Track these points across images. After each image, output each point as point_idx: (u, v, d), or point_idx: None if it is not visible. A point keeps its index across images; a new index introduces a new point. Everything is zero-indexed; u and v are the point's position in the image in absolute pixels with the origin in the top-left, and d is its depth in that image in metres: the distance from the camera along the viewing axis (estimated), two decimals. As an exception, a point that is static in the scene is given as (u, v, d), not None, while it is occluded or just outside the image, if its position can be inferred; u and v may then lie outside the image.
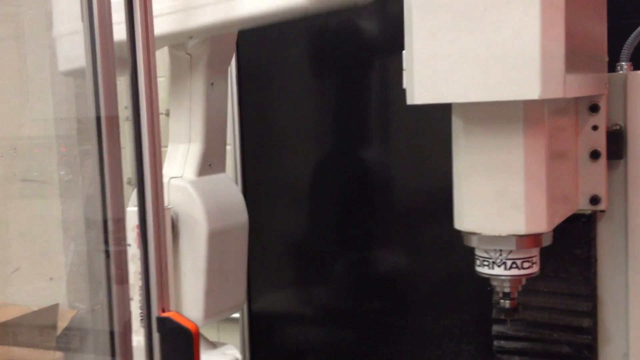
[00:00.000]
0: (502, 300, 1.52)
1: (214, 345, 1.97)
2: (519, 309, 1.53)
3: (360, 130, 2.25)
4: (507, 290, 1.49)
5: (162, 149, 1.19)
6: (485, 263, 1.48)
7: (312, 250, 2.30)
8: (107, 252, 1.17)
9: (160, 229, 1.07)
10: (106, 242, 1.17)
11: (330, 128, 2.29)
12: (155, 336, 1.08)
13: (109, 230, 1.16)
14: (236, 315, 2.35)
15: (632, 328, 1.70)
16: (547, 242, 1.44)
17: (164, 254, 1.08)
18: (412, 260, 2.14)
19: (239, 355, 1.97)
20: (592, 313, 1.73)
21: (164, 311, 1.08)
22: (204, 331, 2.04)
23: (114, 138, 1.15)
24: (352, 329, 2.24)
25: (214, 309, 1.81)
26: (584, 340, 1.73)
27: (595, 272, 1.72)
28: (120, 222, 1.17)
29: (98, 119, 1.15)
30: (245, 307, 2.34)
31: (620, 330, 1.73)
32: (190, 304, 1.77)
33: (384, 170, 2.19)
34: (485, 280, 1.91)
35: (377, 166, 2.20)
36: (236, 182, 2.31)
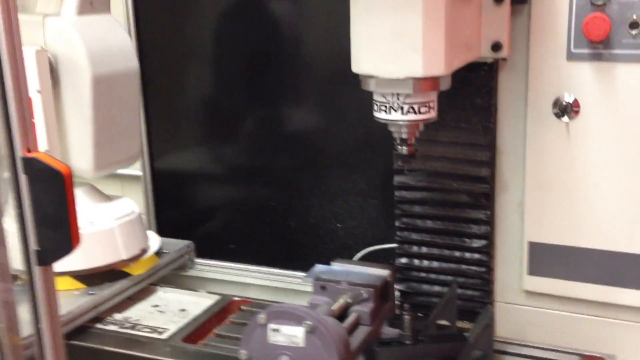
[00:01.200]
0: (399, 147, 1.51)
1: (109, 198, 1.94)
2: (416, 155, 1.53)
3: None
4: (404, 136, 1.48)
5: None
6: (383, 108, 1.45)
7: (220, 106, 2.24)
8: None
9: (16, 59, 0.99)
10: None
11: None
12: (22, 178, 1.03)
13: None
14: (138, 172, 2.30)
15: (528, 177, 1.72)
16: (445, 85, 1.42)
17: (23, 87, 1.00)
18: (322, 119, 2.11)
19: (136, 208, 1.94)
20: (491, 163, 1.75)
21: (29, 151, 1.02)
22: (106, 187, 2.00)
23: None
24: (260, 185, 2.22)
25: (105, 161, 1.75)
26: (482, 190, 1.76)
27: (495, 122, 1.73)
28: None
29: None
30: (147, 164, 2.29)
31: (517, 180, 1.76)
32: (78, 155, 1.70)
33: (297, 25, 2.12)
34: (391, 136, 1.91)
35: (290, 21, 2.12)
36: (128, 33, 2.17)
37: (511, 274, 1.84)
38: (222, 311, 1.94)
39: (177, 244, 2.10)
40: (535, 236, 1.76)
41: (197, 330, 1.83)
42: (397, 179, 1.82)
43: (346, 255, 2.14)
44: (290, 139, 2.15)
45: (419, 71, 1.35)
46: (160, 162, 2.31)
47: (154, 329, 1.82)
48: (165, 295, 2.02)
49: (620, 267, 1.70)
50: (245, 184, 2.24)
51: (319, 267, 1.82)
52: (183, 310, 1.93)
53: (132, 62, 1.80)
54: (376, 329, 1.69)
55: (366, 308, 1.67)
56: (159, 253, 2.02)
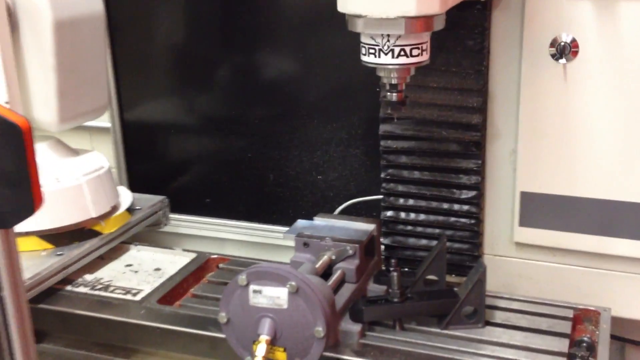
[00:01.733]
0: (389, 93, 1.41)
1: (77, 152, 1.82)
2: (406, 102, 1.43)
3: None
4: (394, 81, 1.39)
5: None
6: (372, 51, 1.35)
7: (192, 53, 2.12)
8: None
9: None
10: None
11: None
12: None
13: None
14: (107, 124, 2.18)
15: (522, 123, 1.64)
16: (439, 25, 1.33)
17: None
18: (300, 66, 2.00)
19: (106, 162, 1.83)
20: (482, 109, 1.65)
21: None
22: (74, 141, 1.88)
23: None
24: (237, 136, 2.12)
25: (70, 112, 1.63)
26: (472, 138, 1.67)
27: (487, 65, 1.64)
28: None
29: None
30: (116, 115, 2.18)
31: (509, 127, 1.68)
32: (41, 106, 1.58)
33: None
34: (375, 83, 1.81)
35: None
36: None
37: (501, 225, 1.78)
38: (198, 270, 1.84)
39: (150, 200, 1.99)
40: (528, 186, 1.69)
41: (173, 290, 1.74)
42: (383, 128, 1.72)
43: (327, 208, 2.07)
44: (266, 86, 2.05)
45: (411, 9, 1.25)
46: (130, 113, 2.20)
47: (127, 290, 1.72)
48: (139, 254, 1.92)
49: (616, 217, 1.64)
50: (220, 134, 2.14)
51: (300, 223, 1.74)
52: (158, 269, 1.84)
53: (96, 5, 1.67)
54: (362, 286, 1.62)
55: (351, 265, 1.59)
56: (131, 210, 1.91)
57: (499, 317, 1.59)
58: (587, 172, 1.62)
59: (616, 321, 1.67)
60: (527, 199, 1.70)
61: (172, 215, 2.09)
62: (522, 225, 1.72)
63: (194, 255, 1.90)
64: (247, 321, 1.39)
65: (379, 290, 1.62)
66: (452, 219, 1.74)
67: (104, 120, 2.15)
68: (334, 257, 1.60)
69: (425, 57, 1.36)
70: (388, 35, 1.31)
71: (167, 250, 1.94)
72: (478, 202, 1.71)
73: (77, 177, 1.72)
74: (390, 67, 1.34)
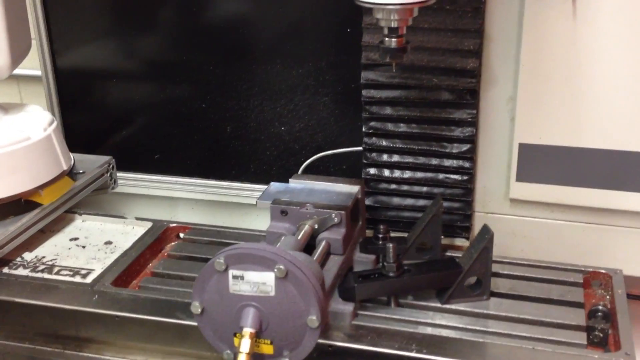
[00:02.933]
0: (387, 39, 1.20)
1: (5, 109, 1.55)
2: (407, 48, 1.22)
3: None
4: (394, 24, 1.19)
5: None
6: None
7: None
8: None
9: None
10: None
11: None
12: None
13: None
14: (37, 72, 1.91)
15: (523, 67, 1.46)
16: None
17: None
18: (256, 3, 1.76)
19: (44, 120, 1.56)
20: (479, 52, 1.46)
21: None
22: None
23: None
24: (188, 84, 1.90)
25: (16, 53, 1.47)
26: (467, 85, 1.48)
27: (485, 2, 1.43)
28: None
29: None
30: (48, 61, 1.93)
31: (508, 72, 1.51)
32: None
33: None
34: (344, 22, 1.59)
35: None
36: None
37: (495, 181, 1.62)
38: (156, 242, 1.62)
39: (95, 161, 1.73)
40: (527, 137, 1.53)
41: (129, 269, 1.51)
42: (365, 76, 1.51)
43: (292, 162, 1.91)
44: (221, 27, 1.83)
45: None
46: (63, 58, 1.95)
47: (75, 271, 1.49)
48: (85, 225, 1.69)
49: (623, 169, 1.50)
50: (169, 82, 1.93)
51: (274, 187, 1.53)
52: (108, 243, 1.61)
53: None
54: (348, 257, 1.43)
55: (337, 234, 1.41)
56: (73, 174, 1.65)
57: (503, 285, 1.43)
58: (593, 121, 1.47)
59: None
60: (526, 151, 1.53)
61: (118, 174, 1.85)
62: (520, 181, 1.57)
63: (149, 224, 1.67)
64: (227, 311, 1.19)
65: (367, 261, 1.44)
66: (442, 175, 1.57)
67: (34, 67, 1.90)
68: (316, 226, 1.40)
69: (431, -6, 1.16)
70: None
71: (118, 220, 1.71)
72: (471, 156, 1.54)
73: (8, 143, 1.46)
74: (391, 7, 1.13)
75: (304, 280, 1.15)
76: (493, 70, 1.50)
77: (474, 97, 1.49)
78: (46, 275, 1.47)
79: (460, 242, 1.65)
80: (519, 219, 1.63)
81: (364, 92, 1.53)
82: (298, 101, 1.84)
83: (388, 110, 1.53)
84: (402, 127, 1.54)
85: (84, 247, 1.59)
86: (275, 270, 1.15)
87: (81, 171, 1.68)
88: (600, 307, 1.35)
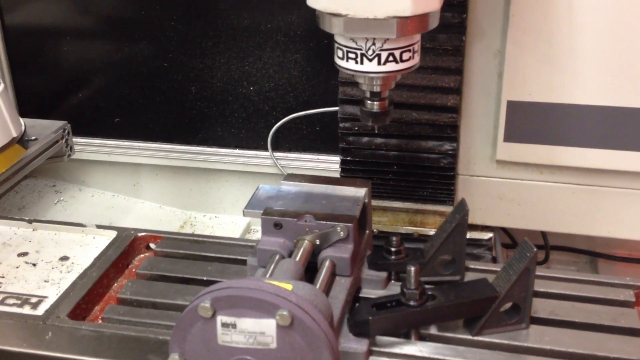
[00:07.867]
0: (369, 102, 1.12)
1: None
2: (390, 111, 1.12)
3: None
4: (377, 89, 1.10)
5: None
6: (352, 55, 1.05)
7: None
8: None
9: None
10: None
11: None
12: None
13: None
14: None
15: (513, 16, 1.35)
16: (434, 23, 1.04)
17: None
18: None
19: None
20: (464, 3, 1.34)
21: None
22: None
23: None
24: (148, 41, 1.78)
25: None
26: (453, 41, 1.36)
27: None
28: None
29: None
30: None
31: (495, 23, 1.40)
32: None
33: None
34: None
35: None
36: None
37: (479, 141, 1.51)
38: (122, 256, 1.35)
39: (48, 126, 1.59)
40: (516, 93, 1.42)
41: (90, 293, 1.25)
42: (343, 110, 1.39)
43: (262, 124, 1.82)
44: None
45: (406, 8, 0.97)
46: (11, 15, 1.85)
47: (24, 299, 1.24)
48: (36, 235, 1.43)
49: (618, 126, 1.40)
50: (127, 40, 1.85)
51: (263, 191, 1.28)
52: (64, 258, 1.36)
53: None
54: (357, 276, 1.19)
55: (344, 252, 1.15)
56: (24, 141, 1.50)
57: (542, 308, 1.18)
58: (587, 76, 1.37)
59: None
60: (515, 109, 1.42)
61: (75, 139, 1.71)
62: (508, 141, 1.46)
63: (113, 233, 1.41)
64: (214, 366, 0.97)
65: (378, 280, 1.20)
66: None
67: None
68: (317, 242, 1.17)
69: (416, 60, 1.07)
70: (374, 39, 1.02)
71: (75, 228, 1.45)
72: (455, 108, 1.42)
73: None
74: (374, 75, 1.05)
75: (314, 328, 0.93)
76: (479, 21, 1.38)
77: (459, 53, 1.38)
78: (-13, 306, 1.22)
79: (443, 208, 1.55)
80: (505, 182, 1.53)
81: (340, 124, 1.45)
82: (267, 59, 1.74)
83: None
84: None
85: (34, 264, 1.34)
86: (277, 317, 0.92)
87: (33, 138, 1.54)
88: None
